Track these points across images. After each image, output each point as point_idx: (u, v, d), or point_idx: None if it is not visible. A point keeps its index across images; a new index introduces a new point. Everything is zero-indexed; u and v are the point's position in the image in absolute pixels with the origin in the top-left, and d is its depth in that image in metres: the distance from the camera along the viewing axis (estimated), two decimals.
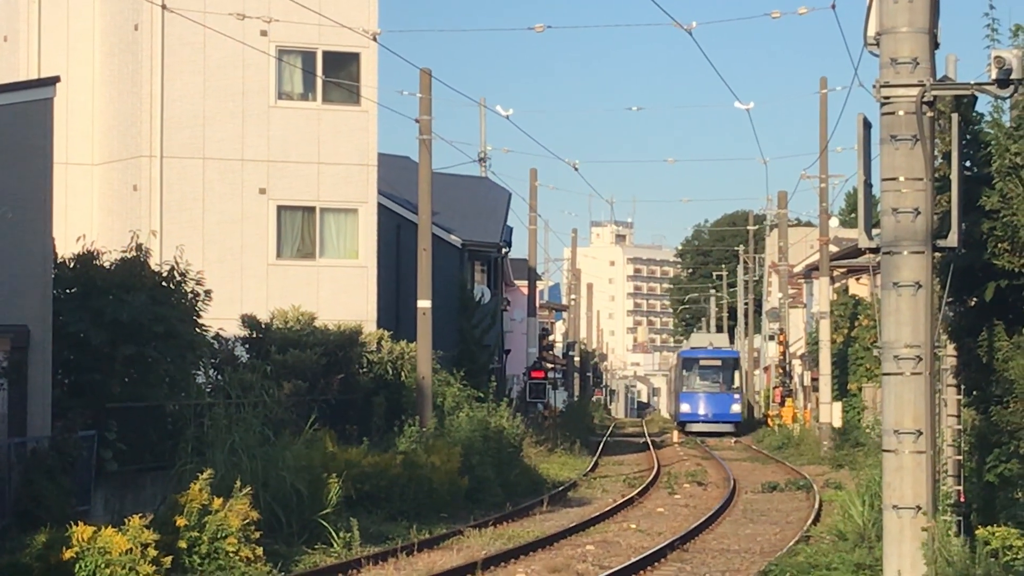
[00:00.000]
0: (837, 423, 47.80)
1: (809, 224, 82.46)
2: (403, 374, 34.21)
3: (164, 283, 24.69)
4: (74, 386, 22.76)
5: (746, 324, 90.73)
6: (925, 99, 13.31)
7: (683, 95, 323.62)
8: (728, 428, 69.19)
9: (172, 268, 25.00)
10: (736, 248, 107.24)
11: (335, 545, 21.76)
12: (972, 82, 13.73)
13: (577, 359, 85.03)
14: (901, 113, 13.39)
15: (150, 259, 24.88)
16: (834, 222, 63.66)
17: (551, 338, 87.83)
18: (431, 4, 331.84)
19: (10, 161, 20.74)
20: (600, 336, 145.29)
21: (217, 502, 19.32)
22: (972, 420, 17.57)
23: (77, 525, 17.30)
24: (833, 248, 52.79)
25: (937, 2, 13.56)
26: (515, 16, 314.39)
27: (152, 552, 17.29)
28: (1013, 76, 13.22)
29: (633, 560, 21.55)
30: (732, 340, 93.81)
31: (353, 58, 37.31)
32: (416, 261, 33.38)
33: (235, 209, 36.24)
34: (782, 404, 61.74)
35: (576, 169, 55.52)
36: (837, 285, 54.94)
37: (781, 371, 64.96)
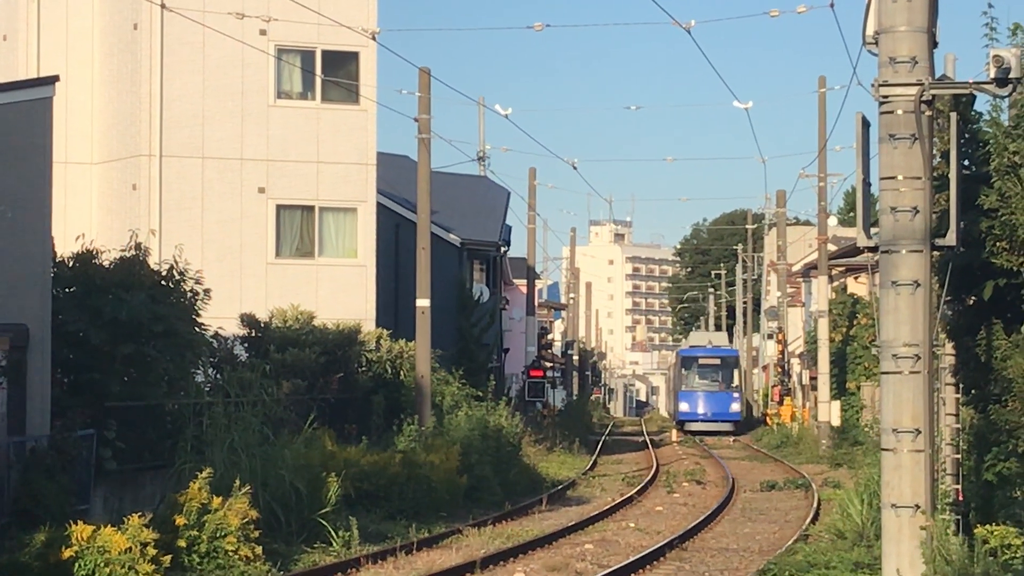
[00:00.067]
0: (836, 422, 47.81)
1: (808, 223, 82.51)
2: (402, 373, 34.21)
3: (163, 282, 24.69)
4: (73, 385, 22.75)
5: (745, 323, 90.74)
6: (924, 98, 13.33)
7: (682, 94, 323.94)
8: (727, 427, 69.21)
9: (171, 267, 25.00)
10: (735, 247, 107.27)
11: (334, 544, 21.78)
12: (971, 81, 13.74)
13: (576, 358, 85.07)
14: (900, 112, 13.40)
15: (149, 258, 24.88)
16: (833, 221, 63.60)
17: (550, 337, 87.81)
18: (430, 3, 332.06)
19: (9, 160, 20.73)
20: (599, 335, 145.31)
21: (216, 501, 19.33)
22: (970, 419, 17.58)
23: (76, 524, 17.30)
24: (832, 247, 52.80)
25: (936, 1, 13.58)
26: (514, 15, 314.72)
27: (151, 551, 17.29)
28: (1012, 75, 13.24)
29: (632, 559, 21.55)
30: (731, 339, 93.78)
31: (352, 57, 37.31)
32: (415, 260, 33.40)
33: (234, 208, 36.24)
34: (781, 403, 61.74)
35: (575, 168, 55.76)
36: (836, 284, 54.96)
37: (780, 370, 64.95)
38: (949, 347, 17.15)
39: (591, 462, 44.46)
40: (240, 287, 35.35)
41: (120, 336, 22.88)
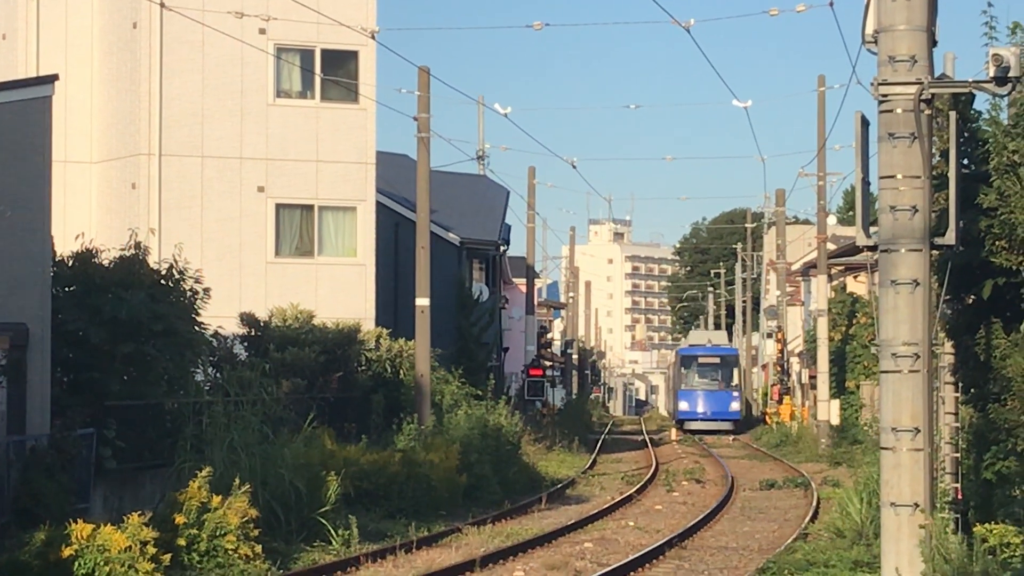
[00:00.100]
0: (835, 421, 47.82)
1: (807, 222, 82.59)
2: (401, 372, 34.22)
3: (163, 281, 24.70)
4: (73, 384, 22.77)
5: (744, 322, 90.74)
6: (923, 97, 13.33)
7: (681, 93, 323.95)
8: (726, 426, 69.20)
9: (171, 266, 25.01)
10: (734, 246, 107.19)
11: (334, 543, 21.79)
12: (970, 80, 13.75)
13: (575, 357, 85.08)
14: (899, 111, 13.41)
15: (149, 257, 24.89)
16: (832, 220, 63.66)
17: (549, 336, 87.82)
18: (430, 2, 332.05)
19: (9, 159, 20.74)
20: (598, 334, 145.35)
21: (216, 500, 19.34)
22: (970, 418, 17.60)
23: (76, 523, 17.31)
24: (831, 246, 52.80)
25: (935, 0, 13.58)
26: (513, 14, 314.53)
27: (151, 550, 17.30)
28: (1011, 74, 13.24)
29: (631, 557, 21.56)
30: (730, 338, 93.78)
31: (351, 56, 37.31)
32: (414, 259, 33.40)
33: (234, 207, 36.24)
34: (780, 402, 61.75)
35: (574, 167, 55.88)
36: (835, 283, 54.94)
37: (779, 369, 64.96)
38: (948, 346, 17.16)
39: (590, 461, 44.45)
40: (239, 286, 35.36)
41: (120, 335, 22.89)
